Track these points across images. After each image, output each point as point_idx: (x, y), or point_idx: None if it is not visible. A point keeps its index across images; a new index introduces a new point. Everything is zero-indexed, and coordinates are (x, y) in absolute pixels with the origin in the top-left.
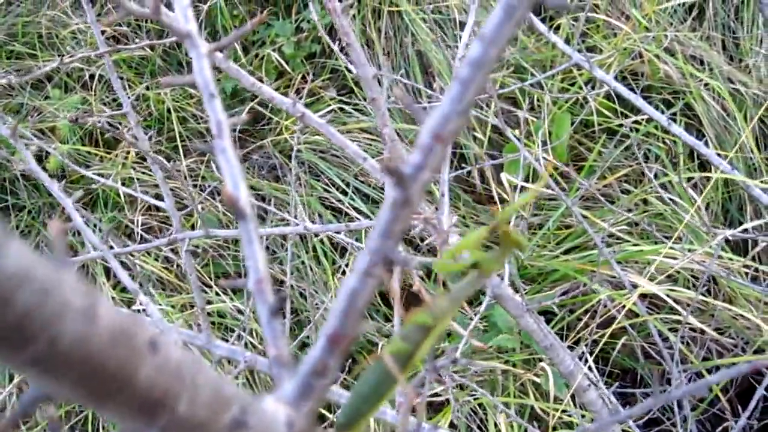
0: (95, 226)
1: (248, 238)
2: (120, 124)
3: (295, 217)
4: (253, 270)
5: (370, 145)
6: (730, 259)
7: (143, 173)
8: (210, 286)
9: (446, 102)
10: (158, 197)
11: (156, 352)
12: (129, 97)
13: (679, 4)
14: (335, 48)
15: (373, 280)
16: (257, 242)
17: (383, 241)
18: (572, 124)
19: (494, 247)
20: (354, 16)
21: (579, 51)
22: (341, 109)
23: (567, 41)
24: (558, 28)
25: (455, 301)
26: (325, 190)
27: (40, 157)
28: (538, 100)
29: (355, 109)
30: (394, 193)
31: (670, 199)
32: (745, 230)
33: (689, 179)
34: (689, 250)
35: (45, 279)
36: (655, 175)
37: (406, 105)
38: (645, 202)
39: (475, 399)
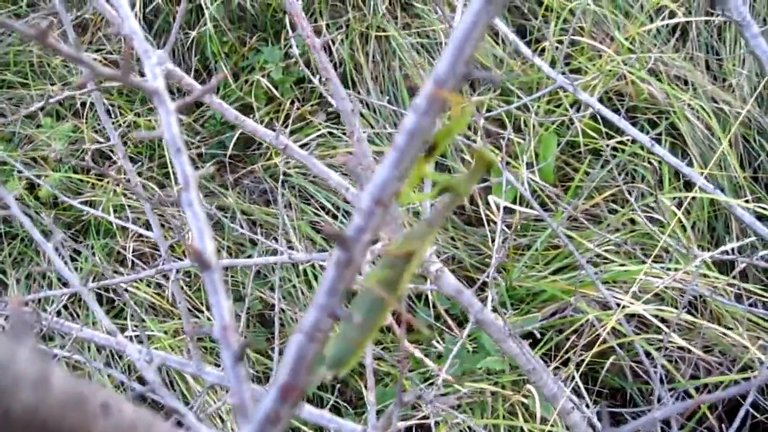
0: (84, 257)
1: (213, 288)
2: (112, 151)
3: (288, 242)
4: (219, 318)
5: None
6: (716, 278)
7: (135, 200)
8: (201, 311)
9: (385, 168)
10: (149, 225)
11: (108, 415)
12: (120, 125)
13: (663, 25)
14: (315, 81)
15: (321, 335)
16: (222, 291)
17: (329, 298)
18: (558, 145)
19: (465, 169)
20: (342, 40)
21: (563, 74)
22: (330, 133)
23: (552, 63)
24: (543, 50)
25: (431, 226)
26: (315, 213)
27: (33, 185)
28: (524, 122)
29: (344, 134)
30: (338, 253)
31: (656, 219)
32: (726, 252)
33: (675, 198)
34: (672, 270)
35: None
36: (642, 195)
37: (350, 170)
38: (633, 221)
39: (464, 421)
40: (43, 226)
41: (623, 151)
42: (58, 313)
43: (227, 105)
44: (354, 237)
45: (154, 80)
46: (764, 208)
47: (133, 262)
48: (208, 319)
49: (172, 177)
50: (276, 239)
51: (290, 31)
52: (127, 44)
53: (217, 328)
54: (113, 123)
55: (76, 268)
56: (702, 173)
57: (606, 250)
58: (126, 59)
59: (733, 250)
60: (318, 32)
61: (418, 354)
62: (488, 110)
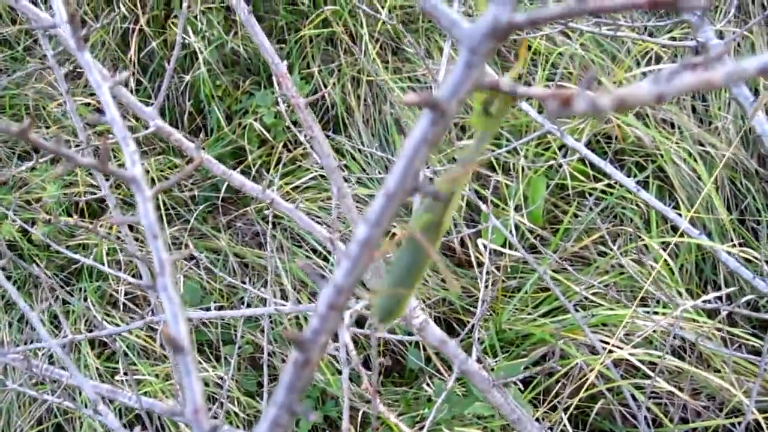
0: (78, 299)
1: (186, 370)
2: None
3: (280, 284)
4: (191, 401)
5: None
6: (704, 322)
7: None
8: None
9: (339, 276)
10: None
11: None
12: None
13: (649, 70)
14: (302, 138)
15: (282, 429)
16: (195, 374)
17: (288, 396)
18: (547, 187)
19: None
20: (334, 84)
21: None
22: (322, 176)
23: (541, 108)
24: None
25: (466, 165)
26: (307, 256)
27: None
28: (513, 164)
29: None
30: (296, 354)
31: (640, 262)
32: (709, 301)
33: (663, 242)
34: (660, 314)
35: None
36: (630, 237)
37: (310, 274)
38: (621, 264)
39: None
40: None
41: (611, 194)
42: (50, 358)
43: (215, 160)
44: (311, 339)
45: (132, 167)
46: (750, 252)
47: (125, 305)
48: (199, 362)
49: (164, 220)
50: (265, 285)
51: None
52: (104, 136)
53: (190, 410)
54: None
55: (68, 312)
56: (688, 216)
57: (594, 293)
58: (105, 149)
59: (716, 298)
60: (311, 76)
61: (393, 420)
62: None
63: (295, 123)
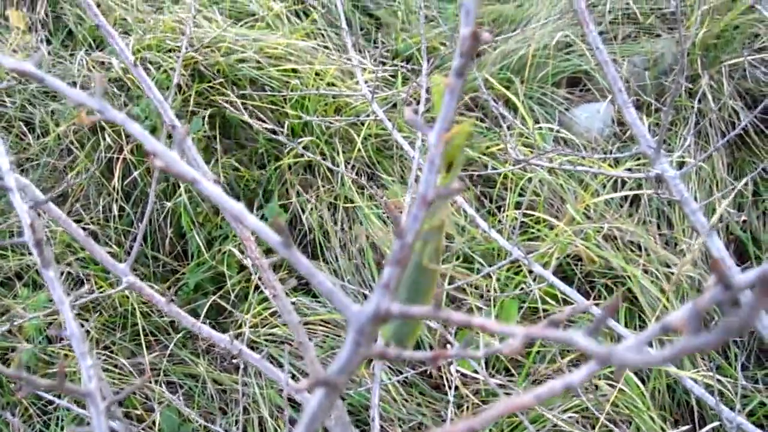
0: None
1: None
2: (86, 320)
3: (258, 411)
4: None
5: (328, 336)
6: None
7: (107, 369)
8: None
9: (313, 407)
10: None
11: None
12: (93, 291)
13: (615, 192)
14: (268, 293)
15: None
16: None
17: None
18: (520, 309)
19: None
20: (312, 209)
21: (520, 243)
22: (300, 301)
23: (514, 229)
24: (504, 213)
25: (444, 199)
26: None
27: (6, 357)
28: (486, 286)
29: (315, 301)
30: None
31: (613, 386)
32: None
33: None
34: None
35: None
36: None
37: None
38: (596, 386)
39: None
40: (13, 397)
41: (581, 317)
42: None
43: (185, 313)
44: None
45: (89, 382)
46: (717, 376)
47: None
48: None
49: (144, 345)
50: (246, 408)
51: (264, 202)
52: (61, 362)
53: None
54: (87, 291)
55: None
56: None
57: (569, 417)
58: (61, 372)
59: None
60: (289, 200)
61: None
62: (450, 282)
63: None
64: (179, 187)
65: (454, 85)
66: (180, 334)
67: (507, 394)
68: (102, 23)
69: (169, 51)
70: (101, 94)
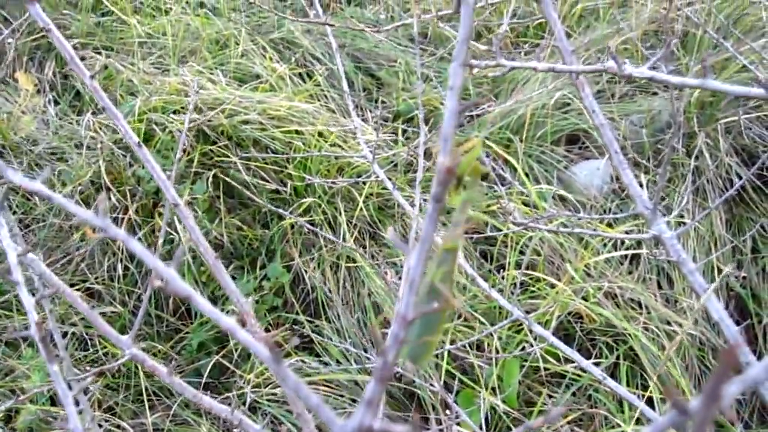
0: None
1: None
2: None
3: None
4: None
5: (331, 396)
6: None
7: (110, 430)
8: None
9: None
10: None
11: None
12: (97, 350)
13: (615, 250)
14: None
15: None
16: None
17: None
18: (522, 368)
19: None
20: (314, 268)
21: (521, 302)
22: (302, 361)
23: (514, 288)
24: (504, 276)
25: (458, 225)
26: None
27: (10, 416)
28: (487, 345)
29: (319, 361)
30: None
31: None
32: None
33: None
34: None
35: None
36: (606, 418)
37: None
38: None
39: None
40: None
41: (581, 376)
42: None
43: (186, 384)
44: None
45: None
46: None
47: None
48: None
49: (146, 406)
50: None
51: (267, 261)
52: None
53: None
54: (89, 353)
55: None
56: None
57: None
58: None
59: None
60: (292, 259)
61: None
62: (452, 342)
63: (275, 308)
64: (182, 245)
65: (431, 211)
66: (182, 396)
67: None
68: (108, 106)
69: (175, 112)
70: (104, 213)
